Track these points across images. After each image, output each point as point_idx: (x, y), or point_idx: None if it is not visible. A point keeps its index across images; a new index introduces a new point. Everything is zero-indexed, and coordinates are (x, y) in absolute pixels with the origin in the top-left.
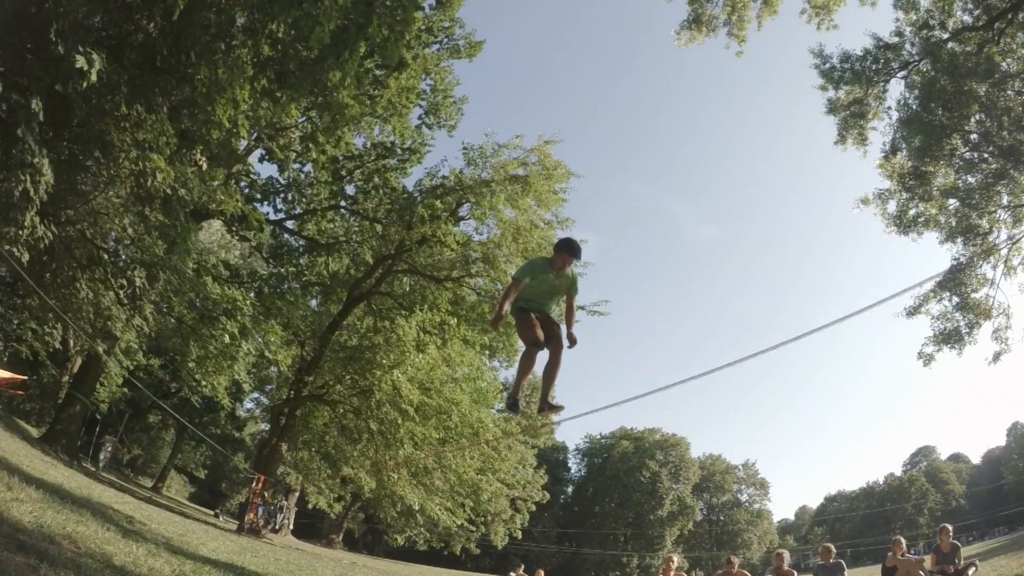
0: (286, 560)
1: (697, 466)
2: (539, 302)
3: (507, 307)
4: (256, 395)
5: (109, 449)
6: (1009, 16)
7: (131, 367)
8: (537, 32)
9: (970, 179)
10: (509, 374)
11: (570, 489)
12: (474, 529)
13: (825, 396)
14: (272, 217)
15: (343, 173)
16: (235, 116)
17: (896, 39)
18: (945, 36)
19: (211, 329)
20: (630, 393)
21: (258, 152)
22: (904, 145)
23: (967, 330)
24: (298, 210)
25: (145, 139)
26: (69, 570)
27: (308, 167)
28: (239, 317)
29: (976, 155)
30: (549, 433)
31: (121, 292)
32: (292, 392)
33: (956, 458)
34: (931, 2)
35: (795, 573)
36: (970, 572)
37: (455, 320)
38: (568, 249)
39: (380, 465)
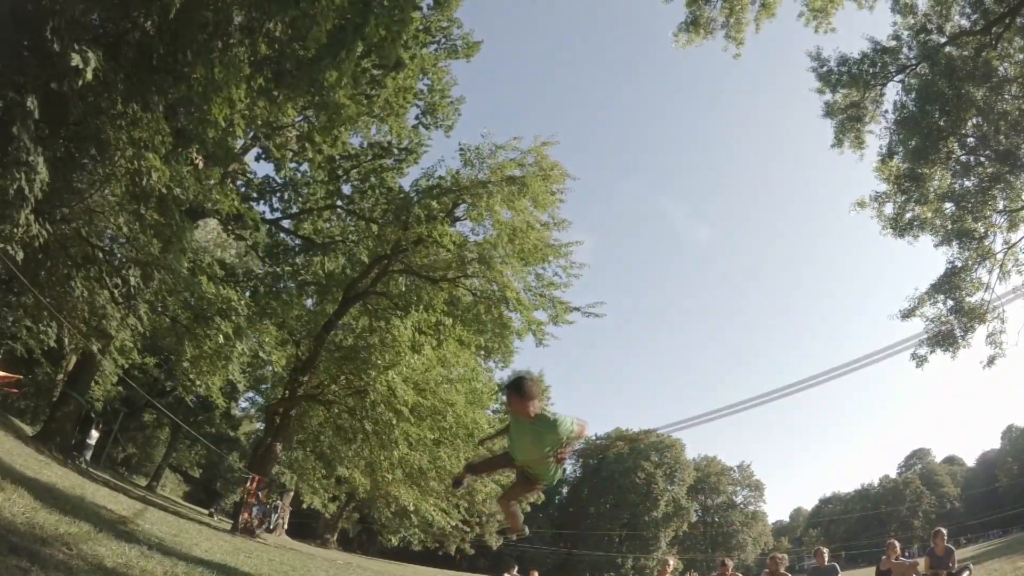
0: (280, 560)
1: (692, 467)
2: (518, 449)
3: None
4: (251, 394)
5: (94, 436)
6: (1007, 21)
7: (126, 366)
8: (535, 33)
9: (966, 183)
10: (505, 375)
11: (565, 490)
12: (468, 530)
13: (821, 398)
14: (268, 216)
15: (340, 173)
16: (231, 115)
17: (894, 43)
18: (943, 40)
19: (206, 329)
20: (625, 392)
21: (255, 151)
22: (901, 148)
23: (961, 333)
24: (294, 209)
25: (141, 138)
26: (60, 572)
27: (305, 166)
28: (234, 317)
29: (972, 159)
30: None
31: (116, 291)
32: (287, 392)
33: (951, 460)
34: (929, 6)
35: None
36: None
37: (451, 321)
38: (509, 389)
39: (375, 465)
